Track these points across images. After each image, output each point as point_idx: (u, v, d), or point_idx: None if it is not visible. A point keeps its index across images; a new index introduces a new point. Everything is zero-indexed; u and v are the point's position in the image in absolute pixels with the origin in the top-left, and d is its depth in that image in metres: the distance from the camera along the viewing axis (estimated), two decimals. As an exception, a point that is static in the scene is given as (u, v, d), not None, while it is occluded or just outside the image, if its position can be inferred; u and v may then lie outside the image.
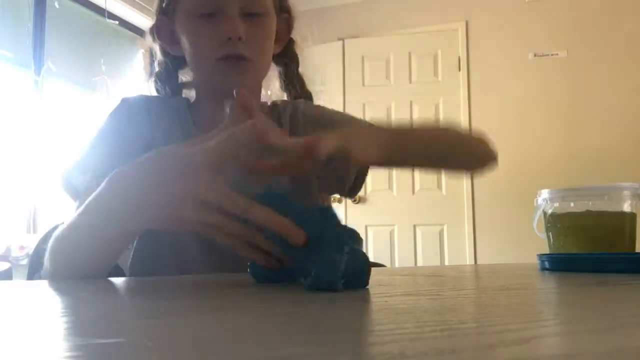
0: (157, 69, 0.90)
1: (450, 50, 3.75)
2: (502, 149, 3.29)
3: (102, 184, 0.54)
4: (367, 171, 0.90)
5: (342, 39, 3.90)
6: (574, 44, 3.46)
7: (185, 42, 0.81)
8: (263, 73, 0.86)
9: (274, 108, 0.91)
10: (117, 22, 3.23)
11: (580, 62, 3.44)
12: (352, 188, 0.90)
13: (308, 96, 0.94)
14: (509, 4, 3.60)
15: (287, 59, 0.92)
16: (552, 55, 3.51)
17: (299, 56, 0.93)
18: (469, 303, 0.36)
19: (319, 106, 0.94)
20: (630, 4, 3.36)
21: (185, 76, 0.92)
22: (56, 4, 2.95)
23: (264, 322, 0.27)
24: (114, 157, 0.76)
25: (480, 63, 3.66)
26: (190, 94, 0.91)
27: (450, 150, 0.81)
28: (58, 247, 0.61)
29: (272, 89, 0.94)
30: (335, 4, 3.89)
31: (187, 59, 0.82)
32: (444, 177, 3.64)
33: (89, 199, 0.55)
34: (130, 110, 0.82)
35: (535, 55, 3.54)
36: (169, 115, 0.84)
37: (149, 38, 0.88)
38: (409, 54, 3.82)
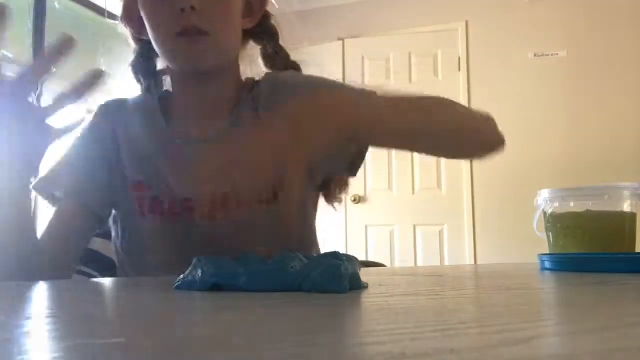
0: (132, 58, 0.88)
1: (450, 50, 3.75)
2: (502, 149, 3.18)
3: None
4: (367, 147, 0.82)
5: (342, 39, 3.90)
6: (574, 44, 3.46)
7: (146, 23, 0.79)
8: (229, 48, 0.81)
9: (251, 89, 0.85)
10: (117, 22, 3.22)
11: (580, 62, 3.44)
12: (352, 164, 0.83)
13: (295, 68, 0.90)
14: (509, 4, 3.60)
15: (265, 34, 0.88)
16: (552, 55, 3.51)
17: (277, 30, 0.88)
18: (469, 303, 0.36)
19: (300, 73, 0.88)
20: (630, 4, 3.36)
21: (162, 63, 0.88)
22: (56, 4, 2.95)
23: (264, 322, 0.27)
24: (82, 175, 0.81)
25: (480, 63, 3.66)
26: (169, 80, 0.88)
27: (450, 128, 0.72)
28: None
29: (258, 70, 0.89)
30: (335, 4, 3.89)
31: (151, 40, 0.79)
32: (445, 172, 3.64)
33: None
34: (98, 126, 0.84)
35: (535, 55, 3.54)
36: (140, 117, 0.84)
37: (120, 26, 0.86)
38: (409, 54, 3.81)
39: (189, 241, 0.78)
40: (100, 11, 3.15)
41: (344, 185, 0.91)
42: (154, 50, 0.82)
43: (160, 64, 0.89)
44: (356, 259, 0.45)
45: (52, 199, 0.81)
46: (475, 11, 3.68)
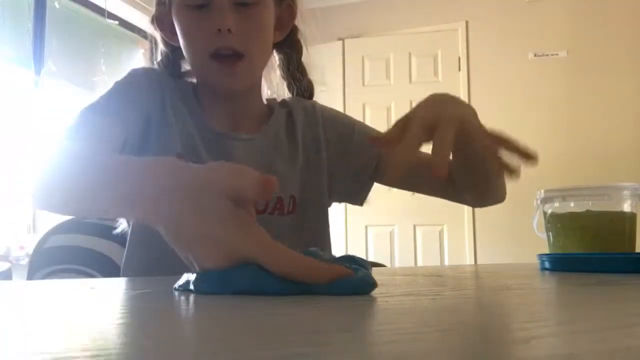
0: (159, 57, 0.89)
1: (450, 50, 3.75)
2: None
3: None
4: (372, 182, 0.90)
5: (342, 39, 3.90)
6: (574, 44, 3.46)
7: (179, 35, 0.80)
8: (261, 67, 0.85)
9: (284, 105, 0.90)
10: (117, 22, 3.23)
11: (580, 62, 3.44)
12: (364, 197, 0.92)
13: (310, 85, 0.93)
14: (509, 4, 3.60)
15: (289, 47, 0.89)
16: (552, 55, 3.51)
17: (302, 44, 0.90)
18: (469, 303, 0.36)
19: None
20: (630, 4, 3.36)
21: (187, 65, 0.91)
22: (56, 4, 2.95)
23: (264, 322, 0.27)
24: (113, 121, 0.75)
25: (480, 63, 3.66)
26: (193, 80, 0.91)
27: (493, 169, 0.78)
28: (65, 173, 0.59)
29: (273, 78, 0.92)
30: (335, 4, 3.89)
31: (183, 51, 0.82)
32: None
33: (129, 160, 0.56)
34: (139, 78, 0.82)
35: (535, 55, 3.54)
36: (177, 93, 0.84)
37: (150, 27, 0.87)
38: (409, 54, 3.82)
39: None
40: (100, 11, 3.15)
41: None
42: (181, 54, 0.84)
43: (185, 67, 0.90)
44: (367, 262, 0.45)
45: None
46: (475, 11, 3.68)
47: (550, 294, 0.44)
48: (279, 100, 0.92)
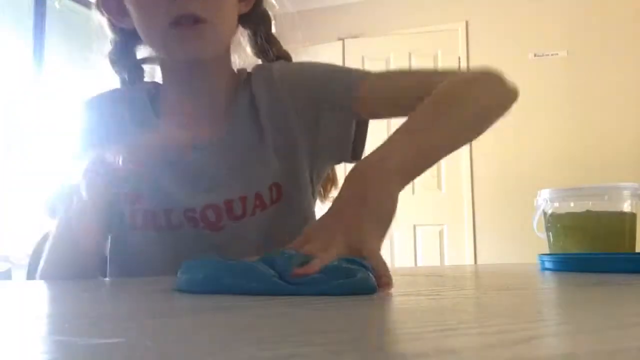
0: (109, 48, 0.81)
1: (450, 50, 3.75)
2: (502, 148, 3.28)
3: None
4: (366, 129, 0.79)
5: (342, 39, 3.90)
6: (574, 44, 3.46)
7: (132, 10, 0.72)
8: (227, 36, 0.77)
9: (248, 81, 0.81)
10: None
11: (580, 62, 3.44)
12: (354, 150, 0.80)
13: (285, 55, 0.84)
14: (509, 4, 3.60)
15: (257, 18, 0.81)
16: (552, 55, 3.51)
17: (269, 15, 0.82)
18: (469, 303, 0.36)
19: (297, 64, 0.83)
20: (630, 4, 3.36)
21: (143, 52, 0.82)
22: (56, 4, 2.95)
23: (264, 322, 0.27)
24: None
25: (480, 63, 3.65)
26: (153, 71, 0.83)
27: (475, 120, 0.66)
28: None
29: (244, 56, 0.84)
30: (335, 4, 3.89)
31: (138, 30, 0.73)
32: (444, 172, 3.64)
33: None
34: (96, 124, 0.81)
35: (535, 55, 3.54)
36: (131, 117, 0.78)
37: (96, 13, 0.79)
38: (409, 54, 3.82)
39: (192, 252, 0.74)
40: (100, 11, 3.15)
41: (334, 182, 0.89)
42: (134, 39, 0.77)
43: (141, 54, 0.82)
44: (367, 262, 0.45)
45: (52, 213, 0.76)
46: (475, 11, 3.68)
47: (550, 294, 0.44)
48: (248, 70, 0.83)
